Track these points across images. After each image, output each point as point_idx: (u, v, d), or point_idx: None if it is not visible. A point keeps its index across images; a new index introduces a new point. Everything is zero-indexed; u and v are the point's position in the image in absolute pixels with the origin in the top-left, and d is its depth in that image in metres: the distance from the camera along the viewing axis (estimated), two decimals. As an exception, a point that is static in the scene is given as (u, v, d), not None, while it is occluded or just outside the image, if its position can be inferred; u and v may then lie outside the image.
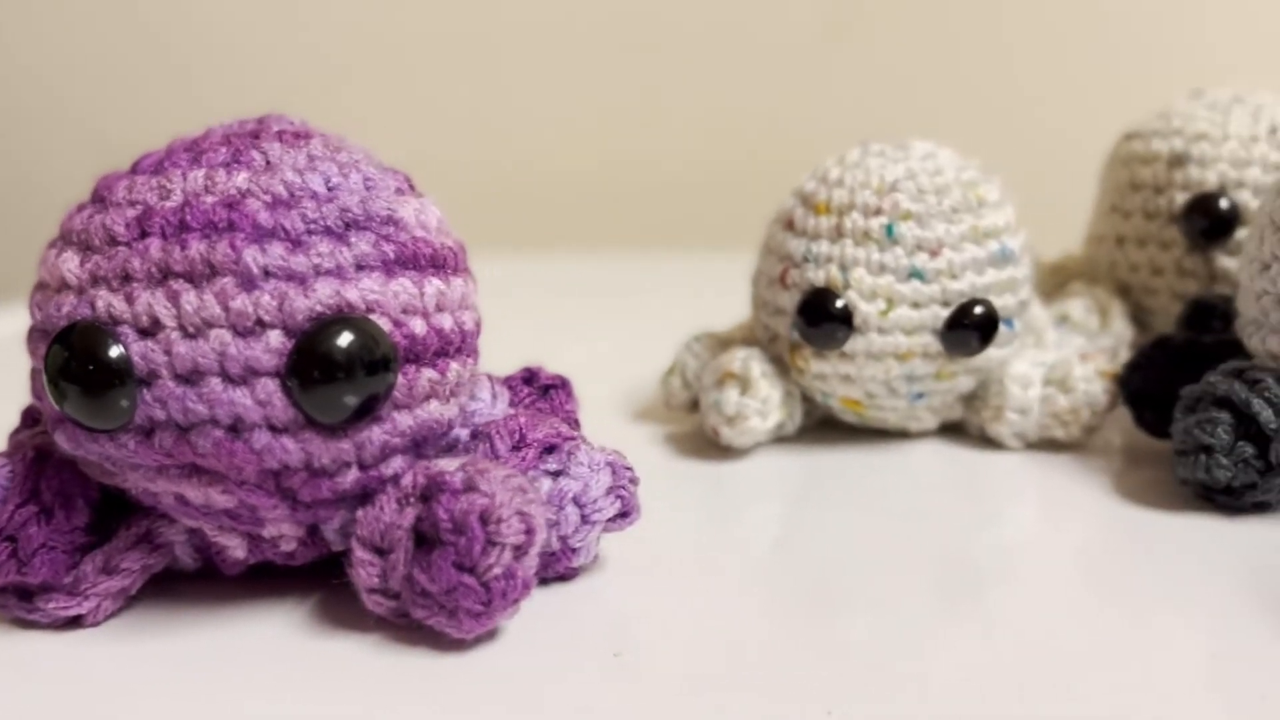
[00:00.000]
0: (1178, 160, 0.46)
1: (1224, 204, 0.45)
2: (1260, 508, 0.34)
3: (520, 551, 0.25)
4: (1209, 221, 0.45)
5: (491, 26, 0.95)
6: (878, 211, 0.39)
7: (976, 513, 0.39)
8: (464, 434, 0.30)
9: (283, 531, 0.27)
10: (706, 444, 0.42)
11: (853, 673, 0.27)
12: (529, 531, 0.26)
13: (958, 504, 0.39)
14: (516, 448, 0.29)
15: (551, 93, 0.95)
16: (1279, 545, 0.33)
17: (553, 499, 0.29)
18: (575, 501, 0.29)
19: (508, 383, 0.34)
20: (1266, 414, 0.33)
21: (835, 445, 0.42)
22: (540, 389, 0.34)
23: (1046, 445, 0.41)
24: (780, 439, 0.43)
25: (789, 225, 0.41)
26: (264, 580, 0.30)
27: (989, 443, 0.42)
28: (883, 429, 0.42)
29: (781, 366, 0.41)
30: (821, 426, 0.43)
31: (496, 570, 0.25)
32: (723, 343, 0.44)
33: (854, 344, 0.39)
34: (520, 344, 0.64)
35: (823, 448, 0.42)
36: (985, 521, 0.38)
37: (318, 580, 0.30)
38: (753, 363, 0.40)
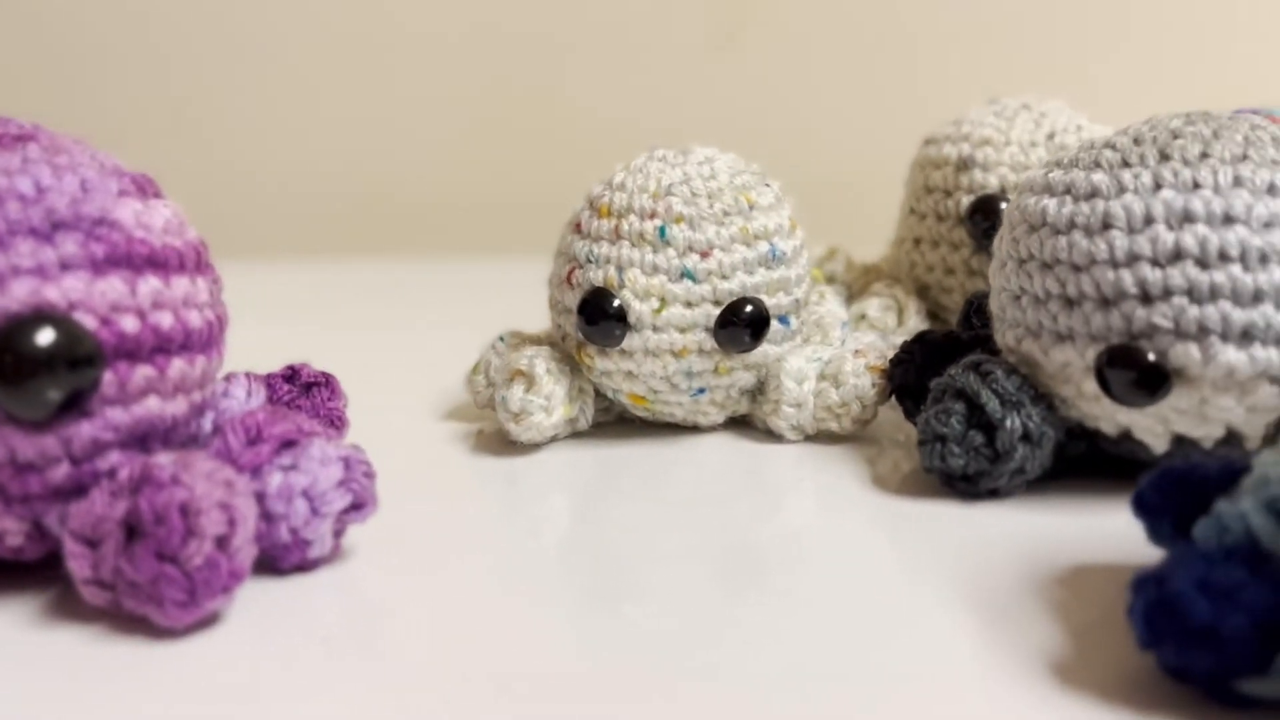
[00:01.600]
0: (964, 164, 0.48)
1: (1004, 206, 0.47)
2: (995, 494, 0.36)
3: (223, 542, 0.26)
4: (990, 223, 0.47)
5: (337, 24, 0.96)
6: (652, 215, 0.40)
7: (758, 503, 0.40)
8: (211, 429, 0.31)
9: (4, 527, 0.28)
10: (507, 441, 0.43)
11: (637, 663, 0.27)
12: (231, 523, 0.26)
13: (741, 495, 0.40)
14: (252, 443, 0.30)
15: (390, 100, 0.96)
16: (1011, 531, 0.35)
17: (282, 492, 0.29)
18: (304, 494, 0.30)
19: (268, 380, 0.34)
20: (993, 404, 0.35)
21: (627, 439, 0.44)
22: (303, 387, 0.35)
23: (824, 437, 0.43)
24: (576, 434, 0.44)
25: (576, 228, 0.42)
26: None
27: (772, 436, 0.43)
28: (673, 423, 0.44)
29: (574, 364, 0.43)
30: (618, 422, 0.45)
31: (197, 560, 0.26)
32: (527, 341, 0.45)
33: (631, 341, 0.40)
34: (340, 346, 0.65)
35: (615, 442, 0.44)
36: (766, 511, 0.40)
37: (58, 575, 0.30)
38: (538, 361, 0.41)
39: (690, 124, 0.94)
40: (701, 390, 0.42)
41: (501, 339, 0.45)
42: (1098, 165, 0.35)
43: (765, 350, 0.42)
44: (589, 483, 0.41)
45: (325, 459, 0.30)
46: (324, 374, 0.36)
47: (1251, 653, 0.22)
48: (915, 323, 0.49)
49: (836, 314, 0.46)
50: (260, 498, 0.29)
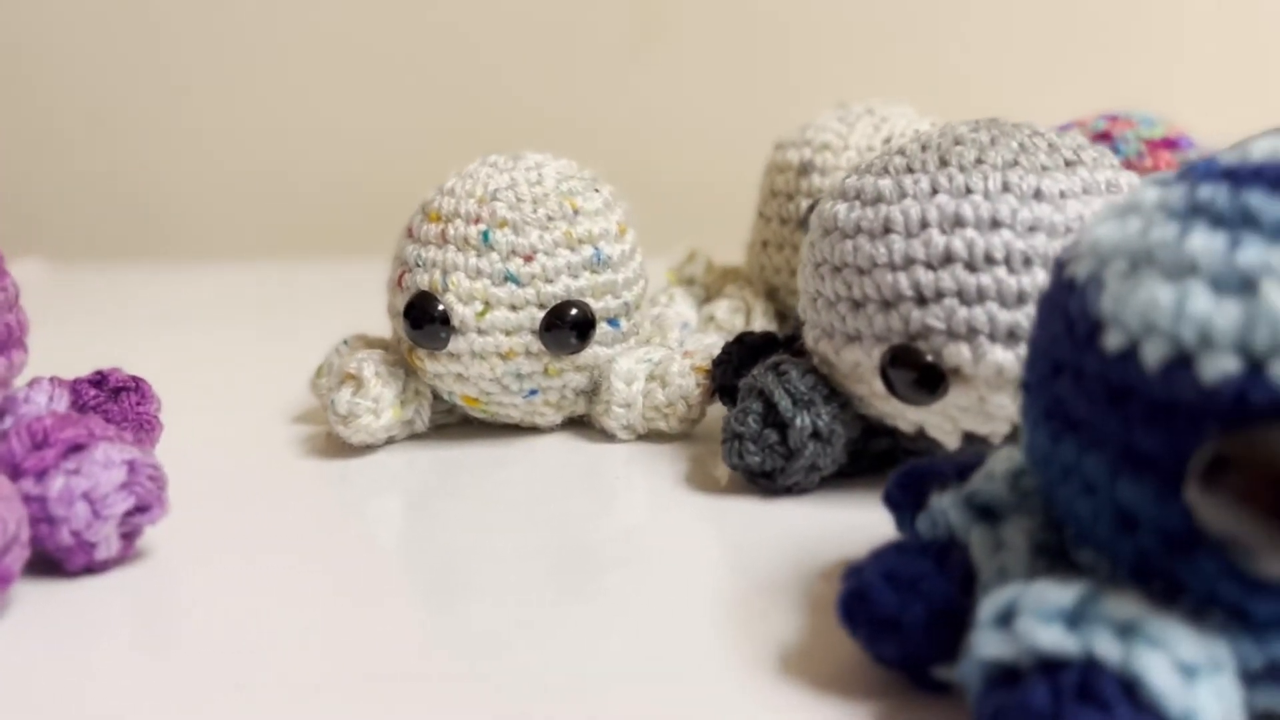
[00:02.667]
0: (804, 169, 0.49)
1: (841, 209, 0.48)
2: (795, 489, 0.37)
3: (-12, 546, 0.27)
4: (827, 226, 0.48)
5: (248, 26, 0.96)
6: (477, 219, 0.41)
7: (590, 502, 0.41)
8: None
9: None
10: (345, 444, 0.44)
11: (467, 663, 0.28)
12: (-3, 528, 0.27)
13: (574, 495, 0.41)
14: (38, 447, 0.31)
15: (276, 102, 0.96)
16: (809, 525, 0.36)
17: (63, 496, 0.30)
18: (85, 498, 0.30)
19: (74, 385, 0.35)
20: (785, 403, 0.36)
21: (466, 441, 0.45)
22: (111, 391, 0.36)
23: (656, 436, 0.44)
24: (415, 436, 0.45)
25: (409, 232, 0.43)
26: None
27: (608, 435, 0.44)
28: (512, 424, 0.45)
29: (410, 367, 0.43)
30: (460, 424, 0.46)
31: (-45, 563, 0.27)
32: (367, 345, 0.46)
33: (457, 344, 0.41)
34: (196, 350, 0.65)
35: (454, 443, 0.44)
36: (597, 511, 0.41)
37: None
38: (366, 364, 0.42)
39: (605, 126, 0.95)
40: (534, 391, 0.43)
41: (345, 342, 0.46)
42: (885, 171, 0.36)
43: (596, 352, 0.43)
44: (424, 483, 0.42)
45: (109, 462, 0.31)
46: (134, 378, 0.36)
47: (931, 640, 0.23)
48: (762, 324, 0.50)
49: (682, 316, 0.48)
50: (43, 501, 0.30)
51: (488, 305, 0.41)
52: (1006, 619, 0.21)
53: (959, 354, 0.33)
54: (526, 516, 0.38)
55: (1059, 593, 0.20)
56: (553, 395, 0.43)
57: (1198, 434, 0.19)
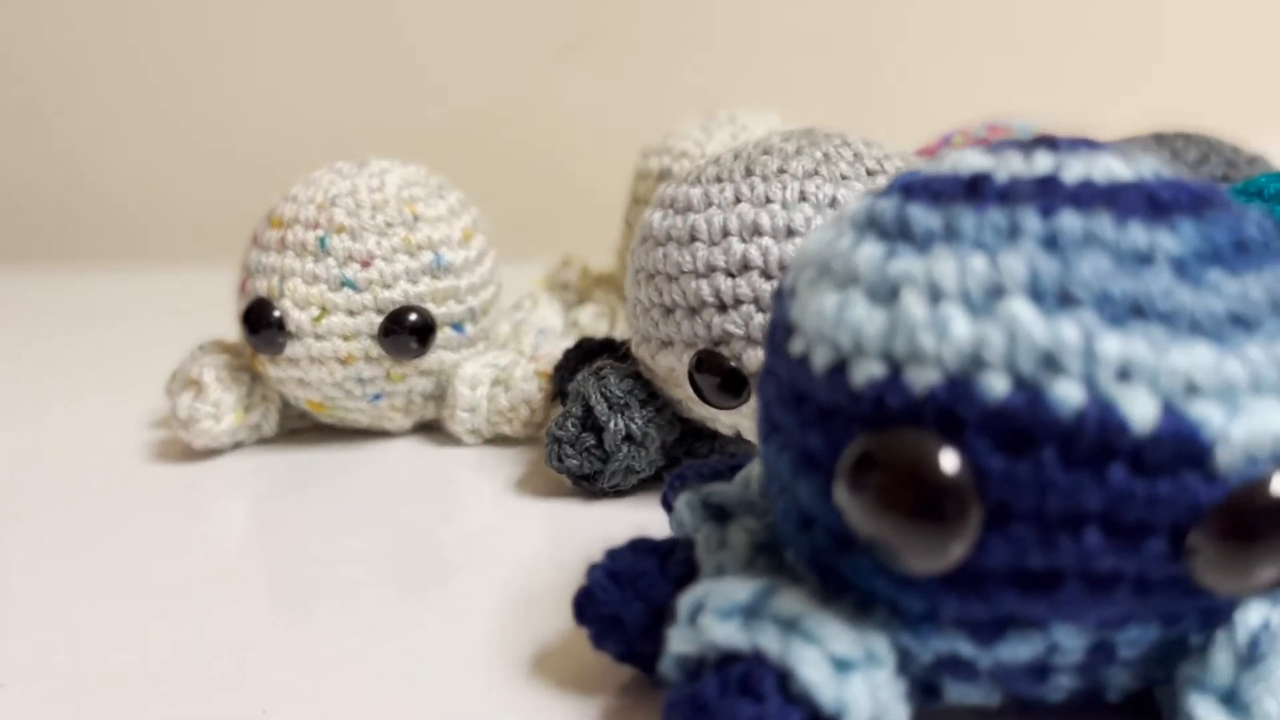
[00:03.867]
0: (663, 176, 0.50)
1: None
2: (615, 492, 0.38)
3: None
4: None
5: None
6: (315, 225, 0.42)
7: (436, 506, 0.41)
8: None
9: None
10: (193, 449, 0.44)
11: (315, 665, 0.28)
12: None
13: (420, 499, 0.42)
14: None
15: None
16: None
17: None
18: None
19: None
20: (601, 406, 0.37)
21: (315, 445, 0.45)
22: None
23: (502, 440, 0.45)
24: (265, 441, 0.45)
25: (254, 239, 0.43)
26: None
27: (456, 440, 0.45)
28: (362, 429, 0.45)
29: (256, 372, 0.44)
30: (313, 429, 0.46)
31: None
32: (222, 350, 0.46)
33: (295, 349, 0.41)
34: (71, 354, 0.65)
35: (303, 448, 0.45)
36: (443, 514, 0.41)
37: None
38: (207, 369, 0.42)
39: (534, 130, 0.96)
40: (378, 396, 0.43)
41: (201, 348, 0.46)
42: (697, 180, 0.37)
43: (440, 357, 0.43)
44: (272, 488, 0.42)
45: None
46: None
47: (651, 638, 0.24)
48: (624, 329, 0.51)
49: (544, 321, 0.48)
50: None
51: (324, 310, 0.41)
52: (695, 615, 0.21)
53: (757, 359, 0.34)
54: (371, 521, 0.39)
55: (738, 590, 0.21)
56: (399, 400, 0.44)
57: (849, 436, 0.19)
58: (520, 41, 0.96)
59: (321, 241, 0.41)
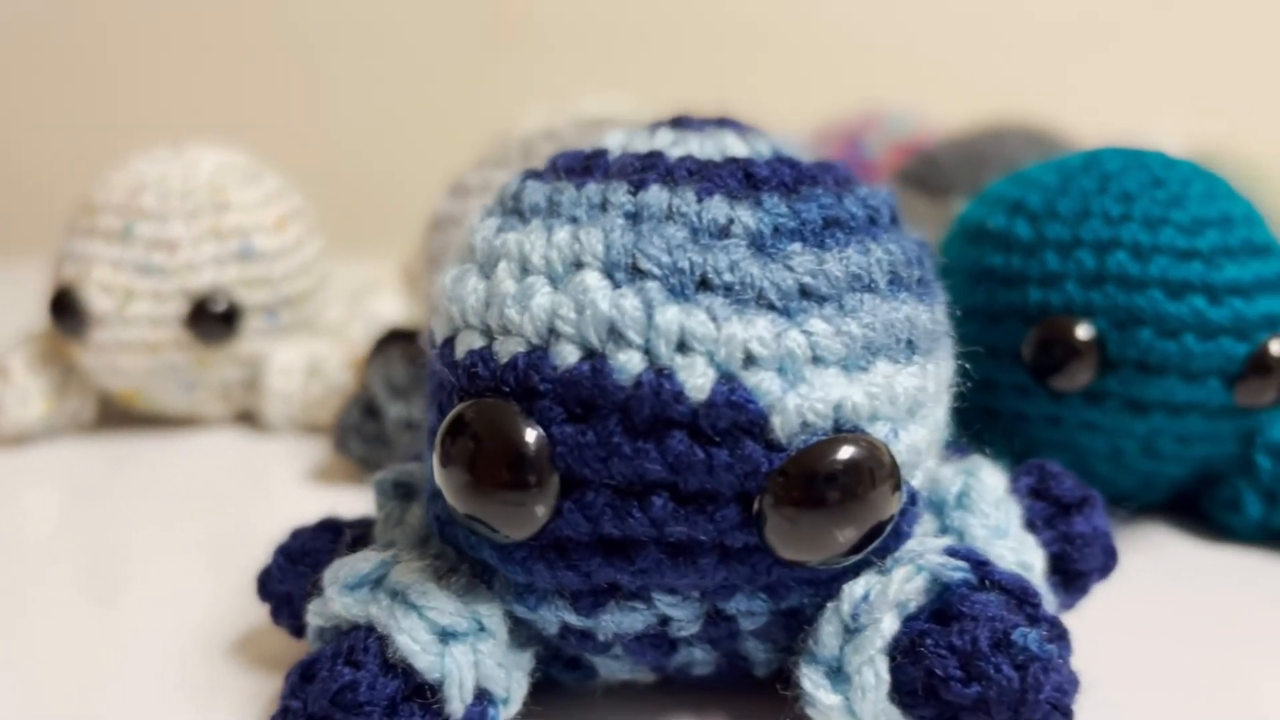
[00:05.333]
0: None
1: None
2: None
3: None
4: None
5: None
6: (122, 212, 0.42)
7: (249, 494, 0.41)
8: None
9: None
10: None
11: (126, 655, 0.28)
12: None
13: (234, 486, 0.42)
14: None
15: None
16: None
17: None
18: None
19: None
20: (383, 393, 0.37)
21: (133, 434, 0.45)
22: None
23: (317, 428, 0.45)
24: (82, 429, 0.45)
25: (70, 226, 0.43)
26: None
27: (272, 427, 0.45)
28: (180, 418, 0.45)
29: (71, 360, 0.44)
30: (133, 417, 0.46)
31: None
32: (41, 339, 0.46)
33: (102, 336, 0.41)
34: None
35: (120, 436, 0.45)
36: (255, 501, 0.41)
37: None
38: (15, 356, 0.42)
39: (458, 125, 0.96)
40: (191, 384, 0.43)
41: (24, 342, 0.46)
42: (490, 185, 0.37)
43: (253, 344, 0.43)
44: (85, 476, 0.42)
45: None
46: None
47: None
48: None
49: (378, 311, 0.48)
50: None
51: (129, 297, 0.41)
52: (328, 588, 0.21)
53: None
54: (184, 508, 0.39)
55: (364, 562, 0.21)
56: (214, 389, 0.44)
57: (450, 407, 0.20)
58: (444, 39, 0.96)
59: (128, 228, 0.41)
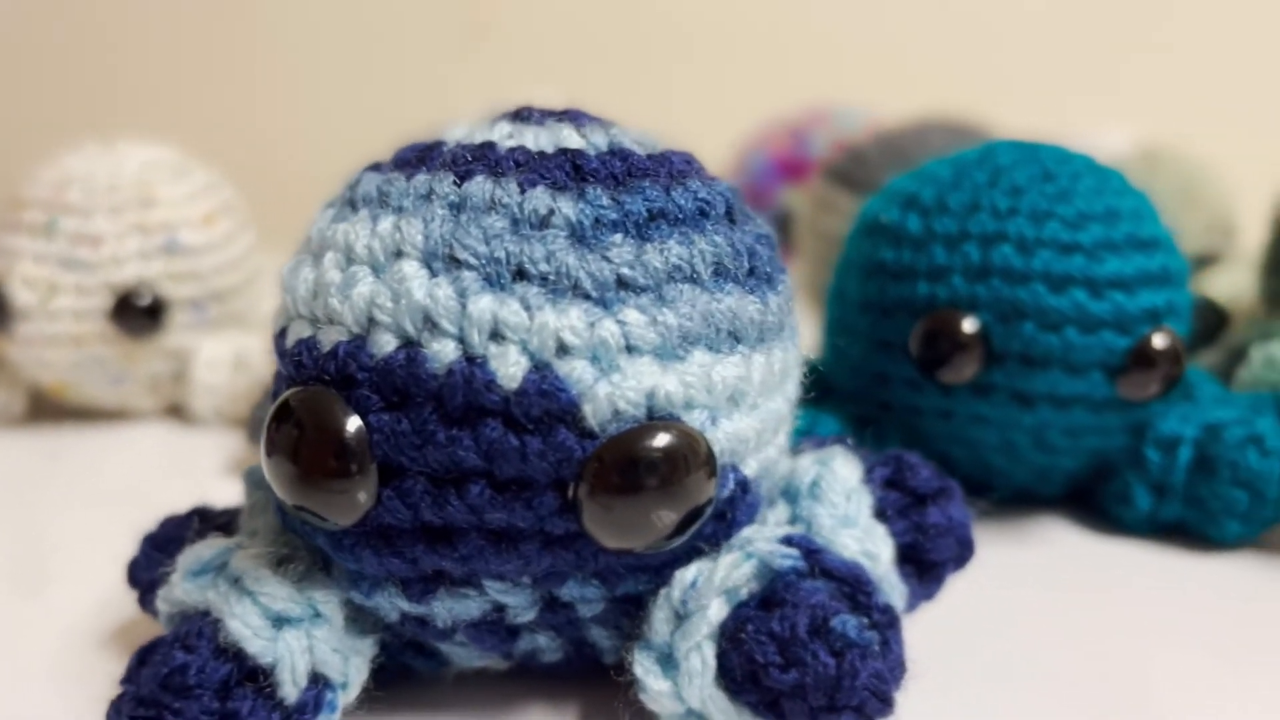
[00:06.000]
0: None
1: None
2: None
3: None
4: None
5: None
6: (47, 207, 0.42)
7: (178, 487, 0.42)
8: None
9: None
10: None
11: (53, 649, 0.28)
12: None
13: (163, 479, 0.42)
14: None
15: None
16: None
17: None
18: None
19: None
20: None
21: (64, 427, 0.45)
22: None
23: (244, 421, 0.45)
24: (12, 422, 0.45)
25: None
26: None
27: (202, 420, 0.45)
28: (112, 411, 0.45)
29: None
30: (65, 410, 0.46)
31: None
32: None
33: (28, 330, 0.42)
34: None
35: (51, 429, 0.45)
36: (183, 493, 0.41)
37: None
38: (-58, 349, 0.43)
39: (433, 119, 0.96)
40: (119, 378, 0.44)
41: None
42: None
43: (181, 338, 0.43)
44: (14, 469, 0.42)
45: None
46: None
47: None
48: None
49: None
50: None
51: (53, 291, 0.42)
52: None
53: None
54: (112, 500, 0.39)
55: (208, 550, 0.21)
56: (142, 381, 0.44)
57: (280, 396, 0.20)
58: (420, 36, 0.96)
59: (52, 222, 0.42)
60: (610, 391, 0.18)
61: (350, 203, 0.21)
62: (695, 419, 0.19)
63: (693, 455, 0.19)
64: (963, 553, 0.24)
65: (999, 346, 0.30)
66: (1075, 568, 0.31)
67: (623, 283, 0.19)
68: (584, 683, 0.23)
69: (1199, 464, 0.31)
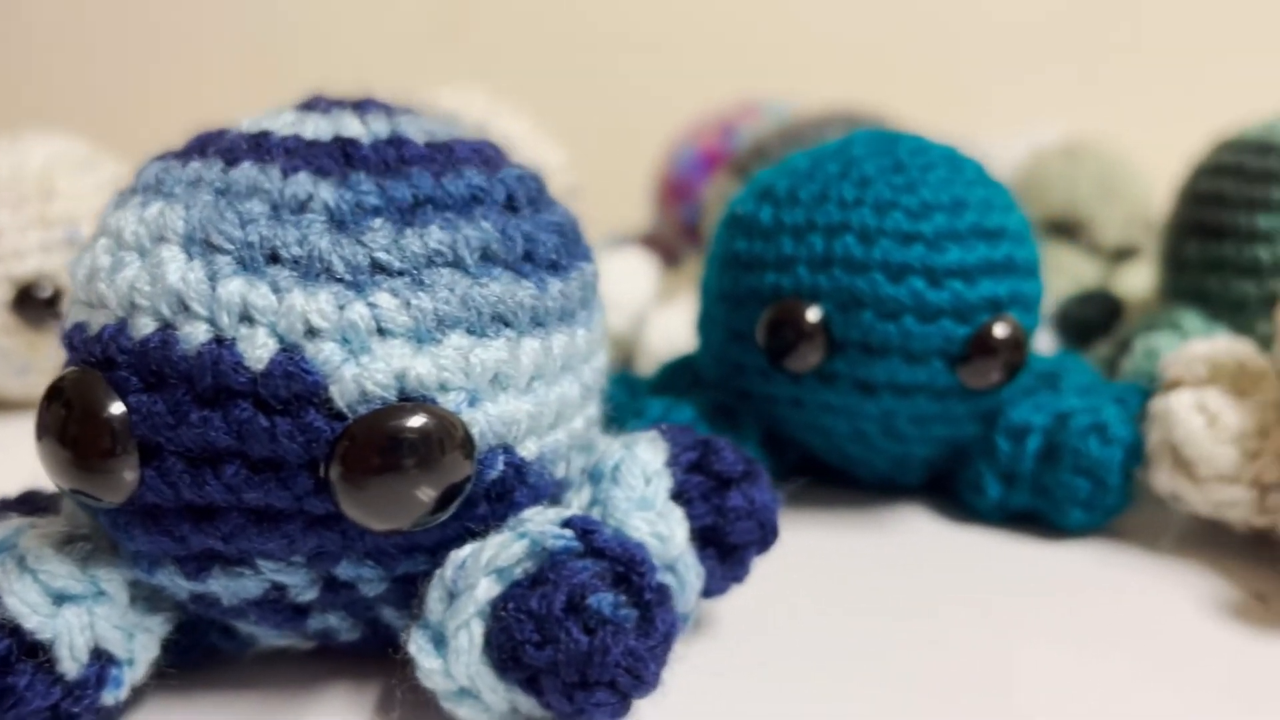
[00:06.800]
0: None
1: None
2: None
3: None
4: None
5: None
6: (-51, 199, 0.43)
7: None
8: None
9: None
10: None
11: None
12: None
13: None
14: None
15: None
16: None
17: None
18: None
19: None
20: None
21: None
22: None
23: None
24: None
25: (-93, 212, 0.44)
26: None
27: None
28: (18, 401, 0.46)
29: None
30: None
31: None
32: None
33: (-71, 320, 0.42)
34: None
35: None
36: None
37: None
38: None
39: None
40: (25, 368, 0.44)
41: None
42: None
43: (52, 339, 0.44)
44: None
45: None
46: None
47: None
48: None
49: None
50: None
51: (-46, 283, 0.42)
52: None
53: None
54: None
55: (1, 530, 0.22)
56: (47, 372, 0.44)
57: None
58: (394, 28, 0.97)
59: (-48, 215, 0.42)
60: (358, 373, 0.19)
61: (132, 190, 0.21)
62: (451, 400, 0.20)
63: (447, 436, 0.19)
64: (765, 536, 0.24)
65: (840, 335, 0.30)
66: (925, 555, 0.31)
67: (378, 266, 0.19)
68: (390, 661, 0.24)
69: (1046, 452, 0.31)
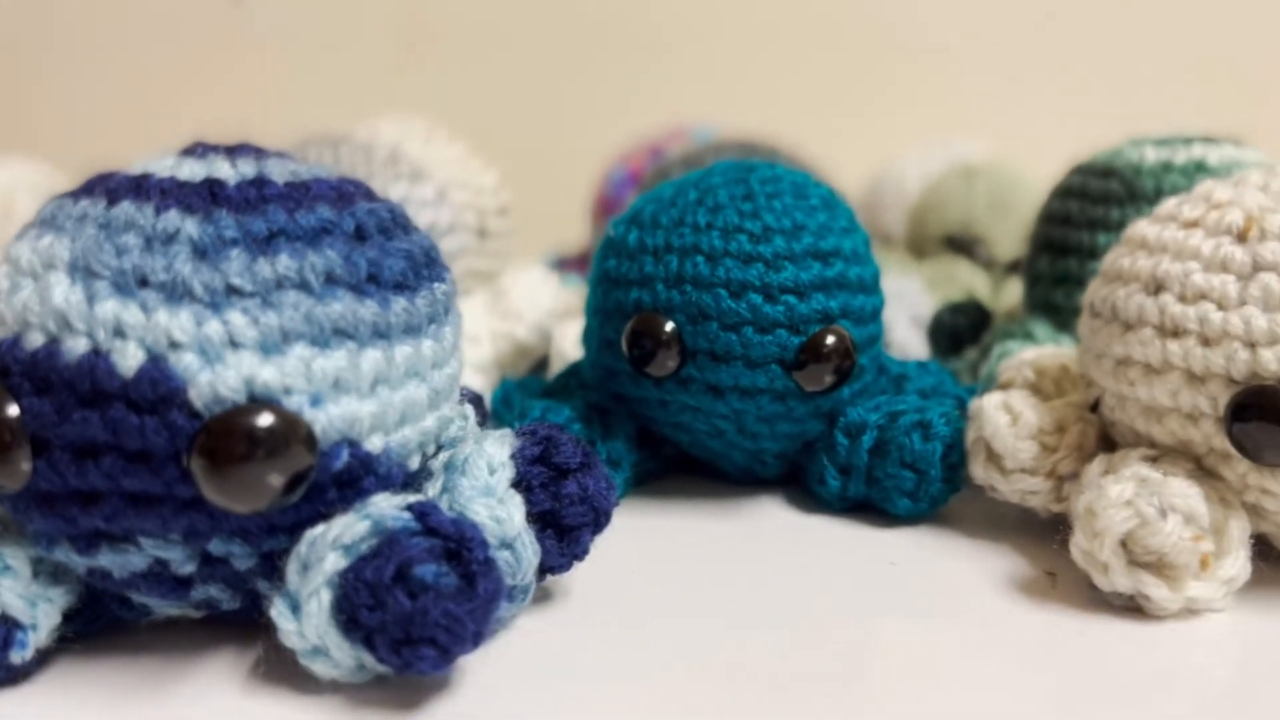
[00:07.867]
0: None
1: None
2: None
3: None
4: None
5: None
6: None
7: None
8: None
9: None
10: None
11: None
12: None
13: None
14: None
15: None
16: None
17: None
18: None
19: None
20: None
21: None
22: None
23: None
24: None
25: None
26: None
27: None
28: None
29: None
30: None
31: None
32: None
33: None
34: None
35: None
36: None
37: None
38: None
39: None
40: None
41: None
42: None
43: None
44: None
45: None
46: None
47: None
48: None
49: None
50: None
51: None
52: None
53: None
54: None
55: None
56: None
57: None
58: (356, 52, 1.00)
59: (-87, 236, 0.46)
60: (212, 379, 0.23)
61: (32, 224, 0.25)
62: (294, 402, 0.23)
63: (291, 431, 0.23)
64: (598, 519, 0.28)
65: (691, 345, 0.34)
66: (773, 539, 0.35)
67: (232, 289, 0.23)
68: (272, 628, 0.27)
69: (877, 448, 0.35)
